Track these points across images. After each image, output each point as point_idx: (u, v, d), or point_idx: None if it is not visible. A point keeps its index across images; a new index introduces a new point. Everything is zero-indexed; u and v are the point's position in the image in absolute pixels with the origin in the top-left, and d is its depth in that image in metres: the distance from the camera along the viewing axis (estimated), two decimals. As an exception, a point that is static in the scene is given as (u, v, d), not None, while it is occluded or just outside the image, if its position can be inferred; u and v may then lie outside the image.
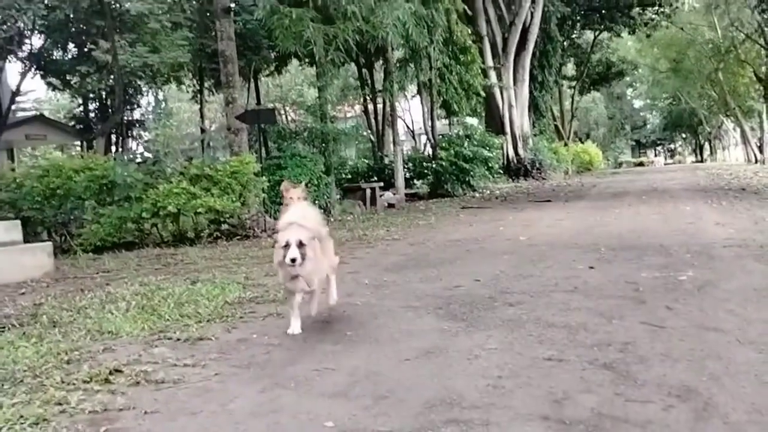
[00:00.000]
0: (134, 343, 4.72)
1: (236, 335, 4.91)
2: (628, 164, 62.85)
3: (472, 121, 24.48)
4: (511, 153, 29.36)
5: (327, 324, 5.10)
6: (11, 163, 14.35)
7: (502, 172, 26.41)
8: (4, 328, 5.22)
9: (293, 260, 4.40)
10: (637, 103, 75.31)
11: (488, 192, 21.85)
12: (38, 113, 28.76)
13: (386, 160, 23.25)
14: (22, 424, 3.17)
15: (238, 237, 11.37)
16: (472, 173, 21.47)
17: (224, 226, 11.59)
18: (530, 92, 32.82)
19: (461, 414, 3.13)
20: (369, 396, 3.46)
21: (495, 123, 28.47)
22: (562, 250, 8.24)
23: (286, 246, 4.43)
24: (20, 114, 25.74)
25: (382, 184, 19.12)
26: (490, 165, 22.63)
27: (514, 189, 23.38)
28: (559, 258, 7.63)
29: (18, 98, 21.84)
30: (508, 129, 29.18)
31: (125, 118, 27.19)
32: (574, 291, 5.73)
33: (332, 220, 14.10)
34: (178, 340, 4.75)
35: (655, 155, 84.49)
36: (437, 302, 5.59)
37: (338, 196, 16.00)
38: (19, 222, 9.06)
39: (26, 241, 8.95)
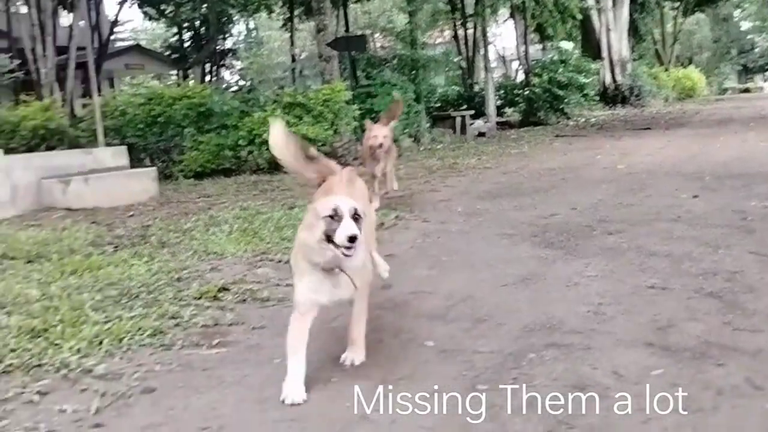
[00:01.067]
0: (238, 263, 4.91)
1: (334, 258, 5.03)
2: (733, 90, 59.23)
3: (567, 45, 23.46)
4: (608, 79, 28.15)
5: (422, 249, 5.15)
6: (113, 92, 14.88)
7: (598, 99, 25.40)
8: (117, 247, 5.53)
9: (352, 239, 2.57)
10: (745, 25, 70.24)
11: (583, 120, 21.16)
12: (136, 43, 29.56)
13: (476, 88, 22.76)
14: (141, 335, 3.38)
15: (331, 165, 11.50)
16: (566, 100, 20.76)
17: (317, 154, 11.74)
18: (630, 14, 31.08)
19: (562, 338, 3.13)
20: (467, 319, 3.50)
21: (591, 47, 27.27)
22: (663, 179, 7.95)
23: (335, 216, 2.62)
24: (119, 44, 26.51)
25: (472, 112, 18.80)
26: (585, 92, 21.78)
27: (610, 116, 22.53)
28: (660, 187, 7.37)
29: (116, 28, 22.45)
30: (605, 54, 27.89)
31: (218, 47, 27.60)
32: (677, 220, 5.55)
33: (421, 149, 14.05)
34: (279, 261, 4.91)
35: (764, 81, 79.26)
36: (533, 230, 5.53)
37: (428, 125, 15.86)
38: (125, 148, 9.48)
39: (132, 166, 9.36)
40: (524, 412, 2.43)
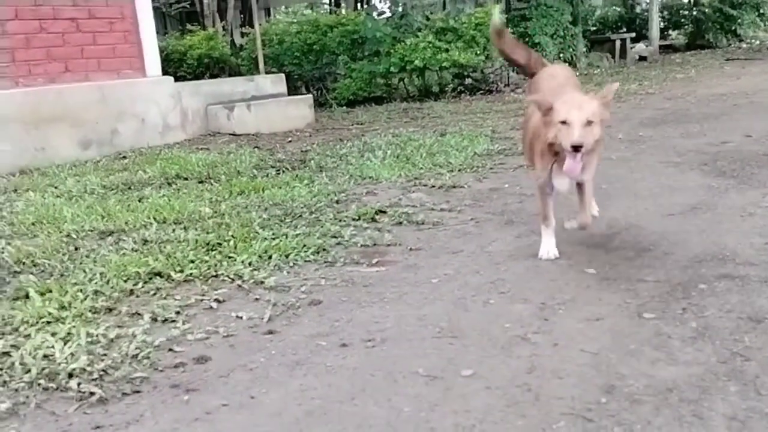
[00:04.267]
0: (393, 188, 5.00)
1: (487, 185, 5.00)
2: None
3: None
4: (790, -5, 25.37)
5: (580, 176, 4.97)
6: (270, 20, 15.29)
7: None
8: (279, 170, 5.78)
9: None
10: None
11: (758, 42, 19.29)
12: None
13: (638, 9, 21.29)
14: (305, 251, 3.54)
15: (481, 92, 11.31)
16: (739, 21, 18.95)
17: (467, 81, 11.56)
18: None
19: (735, 270, 2.94)
20: (630, 248, 3.38)
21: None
22: None
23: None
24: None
25: (633, 35, 17.64)
26: (762, 11, 19.79)
27: (790, 38, 20.41)
28: None
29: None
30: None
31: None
32: None
33: (578, 73, 13.43)
34: (433, 186, 4.95)
35: None
36: (702, 158, 5.19)
37: (585, 49, 15.09)
38: (283, 75, 9.79)
39: (289, 94, 9.67)
40: (695, 342, 2.33)
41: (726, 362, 2.18)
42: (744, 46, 18.67)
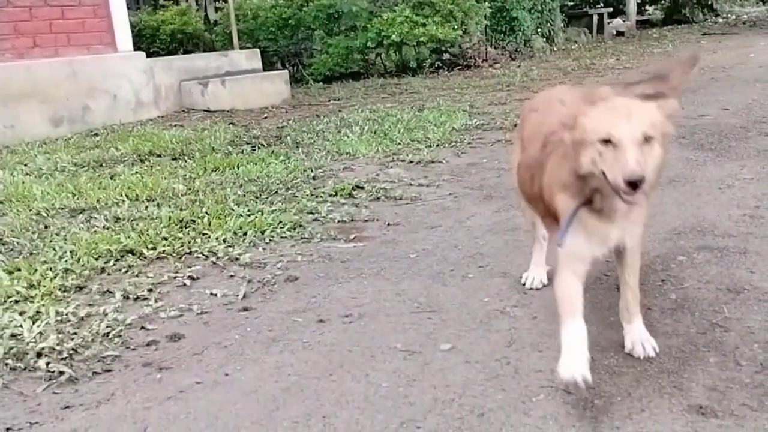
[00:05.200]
0: (370, 163, 4.94)
1: (466, 159, 4.96)
2: None
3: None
4: (765, -30, 25.48)
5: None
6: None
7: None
8: (254, 147, 5.69)
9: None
10: None
11: (734, 17, 19.37)
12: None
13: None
14: (281, 228, 3.49)
15: (459, 67, 11.23)
16: (716, -5, 19.04)
17: (445, 56, 11.46)
18: None
19: (714, 241, 2.94)
20: (609, 220, 3.35)
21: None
22: (829, 78, 7.20)
23: (609, 142, 1.75)
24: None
25: (610, 10, 17.60)
26: (738, -15, 19.89)
27: (765, 13, 20.49)
28: (826, 86, 6.68)
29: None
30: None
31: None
32: None
33: (555, 49, 13.39)
34: (411, 162, 4.89)
35: None
36: (680, 131, 5.17)
37: (562, 24, 15.03)
38: (258, 51, 9.62)
39: (264, 70, 9.52)
40: (674, 314, 2.31)
41: (705, 333, 2.17)
42: (720, 20, 18.73)
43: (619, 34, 16.55)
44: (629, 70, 9.52)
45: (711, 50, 11.36)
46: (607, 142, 1.73)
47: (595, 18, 16.35)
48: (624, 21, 17.59)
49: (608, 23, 16.70)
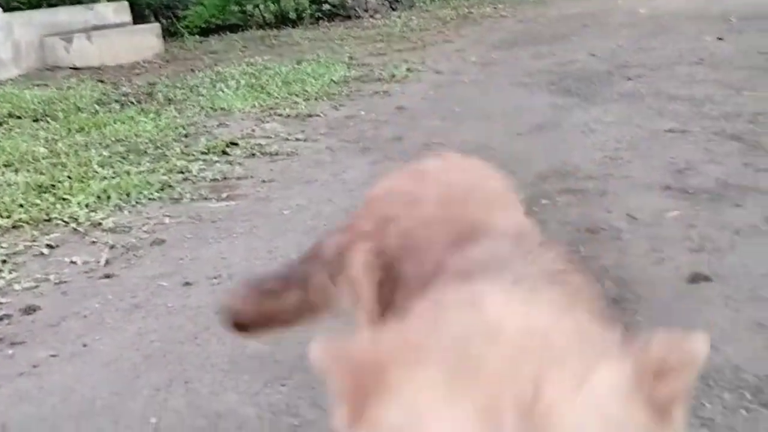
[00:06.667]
0: (246, 119, 4.81)
1: (344, 112, 4.91)
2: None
3: None
4: None
5: (435, 101, 4.99)
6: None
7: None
8: (123, 105, 5.42)
9: None
10: None
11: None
12: None
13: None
14: (149, 189, 3.35)
15: (340, 18, 11.08)
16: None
17: (325, 7, 11.27)
18: None
19: (576, 184, 3.06)
20: (480, 168, 3.42)
21: None
22: (686, 23, 7.56)
23: None
24: None
25: (489, -42, 17.82)
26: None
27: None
28: (684, 30, 7.02)
29: None
30: None
31: None
32: (700, 63, 5.31)
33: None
34: (288, 116, 4.81)
35: None
36: (550, 78, 5.33)
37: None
38: (126, 3, 9.11)
39: (135, 23, 9.04)
40: (536, 255, 2.39)
41: (563, 272, 2.25)
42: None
43: (498, -18, 16.76)
44: (505, 18, 9.69)
45: (583, -2, 11.71)
46: None
47: (475, -33, 16.45)
48: (502, -30, 17.81)
49: (487, -28, 16.86)
